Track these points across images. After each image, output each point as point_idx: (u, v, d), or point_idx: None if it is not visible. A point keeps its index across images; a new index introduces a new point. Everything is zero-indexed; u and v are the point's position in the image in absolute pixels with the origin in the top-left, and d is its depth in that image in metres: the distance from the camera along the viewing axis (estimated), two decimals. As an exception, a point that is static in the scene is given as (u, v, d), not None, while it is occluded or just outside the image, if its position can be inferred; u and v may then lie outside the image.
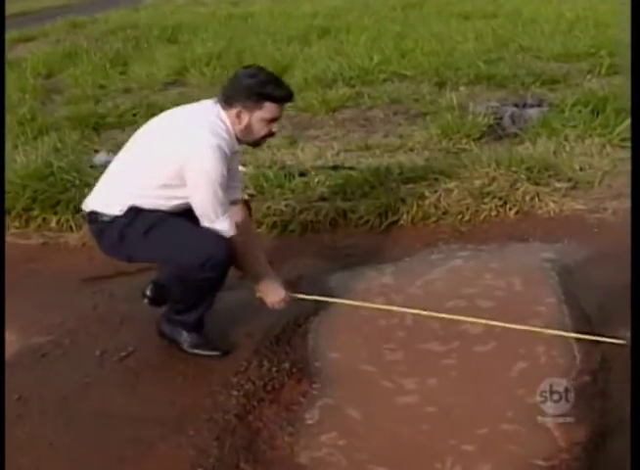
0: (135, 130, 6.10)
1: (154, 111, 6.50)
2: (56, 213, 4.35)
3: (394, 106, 6.41)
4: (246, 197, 3.35)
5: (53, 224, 4.32)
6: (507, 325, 2.96)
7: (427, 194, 4.32)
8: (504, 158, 4.60)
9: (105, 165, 5.14)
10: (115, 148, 5.66)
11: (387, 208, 4.18)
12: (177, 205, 2.79)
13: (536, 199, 4.28)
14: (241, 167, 5.11)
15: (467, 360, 2.83)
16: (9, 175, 4.51)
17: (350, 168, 4.83)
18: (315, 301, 3.22)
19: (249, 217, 3.07)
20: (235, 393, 2.63)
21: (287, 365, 2.80)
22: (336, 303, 3.22)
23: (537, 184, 4.39)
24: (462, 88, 6.87)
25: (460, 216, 4.15)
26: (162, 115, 2.93)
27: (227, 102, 2.75)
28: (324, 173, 4.75)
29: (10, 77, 7.83)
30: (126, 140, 5.79)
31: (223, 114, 2.76)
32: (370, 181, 4.52)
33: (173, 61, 8.48)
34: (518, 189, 4.32)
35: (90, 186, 4.51)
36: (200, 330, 2.92)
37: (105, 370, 2.82)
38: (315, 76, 7.18)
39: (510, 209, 4.22)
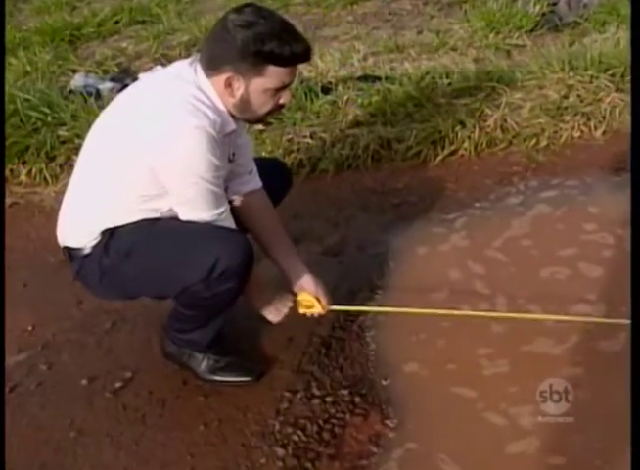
0: (117, 42, 5.35)
1: (138, 15, 5.53)
2: (25, 163, 3.47)
3: (424, -7, 5.36)
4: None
5: (23, 177, 3.45)
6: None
7: (488, 111, 3.42)
8: (577, 57, 3.67)
9: (83, 91, 4.32)
10: (95, 66, 4.77)
11: (441, 133, 3.30)
12: (161, 216, 1.96)
13: (627, 112, 3.37)
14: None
15: (598, 370, 2.03)
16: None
17: (386, 79, 3.89)
18: (370, 282, 2.44)
19: (270, 210, 2.19)
20: (279, 450, 1.84)
21: (345, 392, 2.01)
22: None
23: (623, 91, 3.48)
24: (498, -33, 5.78)
25: (535, 141, 3.27)
26: (120, 95, 2.02)
27: (211, 64, 1.86)
28: (353, 87, 3.82)
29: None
30: (108, 55, 5.05)
31: (206, 82, 1.86)
32: (414, 96, 3.61)
33: (157, -48, 7.30)
34: (601, 100, 3.42)
35: (65, 124, 3.69)
36: (219, 347, 2.12)
37: (95, 412, 2.03)
38: (324, -40, 6.07)
39: (595, 127, 3.33)
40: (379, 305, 2.34)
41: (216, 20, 4.98)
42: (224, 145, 1.92)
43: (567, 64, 3.59)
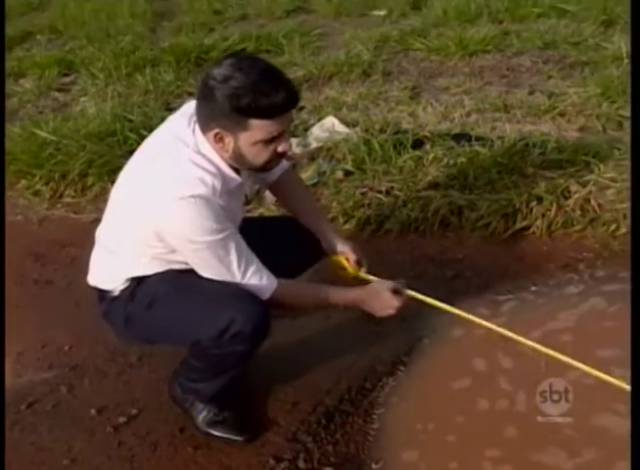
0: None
1: (264, 44, 5.72)
2: (114, 183, 3.66)
3: (547, 51, 5.22)
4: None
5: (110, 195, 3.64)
6: None
7: (573, 188, 3.29)
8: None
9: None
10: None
11: (515, 207, 3.20)
12: (186, 268, 2.01)
13: None
14: (344, 128, 4.26)
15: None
16: (73, 131, 3.88)
17: (478, 139, 3.83)
18: (395, 357, 2.41)
19: (297, 183, 2.41)
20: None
21: (329, 470, 2.00)
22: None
23: None
24: (637, 30, 5.55)
25: (614, 226, 3.10)
26: (137, 152, 2.09)
27: (200, 122, 1.88)
28: (444, 145, 3.78)
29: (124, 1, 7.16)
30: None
31: (204, 141, 1.90)
32: (500, 164, 3.53)
33: (299, -16, 7.49)
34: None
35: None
36: (221, 401, 2.16)
37: (92, 444, 2.12)
38: (456, 8, 6.03)
39: (686, 221, 3.13)
40: (395, 383, 2.31)
41: (335, 57, 5.05)
42: (236, 195, 1.99)
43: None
